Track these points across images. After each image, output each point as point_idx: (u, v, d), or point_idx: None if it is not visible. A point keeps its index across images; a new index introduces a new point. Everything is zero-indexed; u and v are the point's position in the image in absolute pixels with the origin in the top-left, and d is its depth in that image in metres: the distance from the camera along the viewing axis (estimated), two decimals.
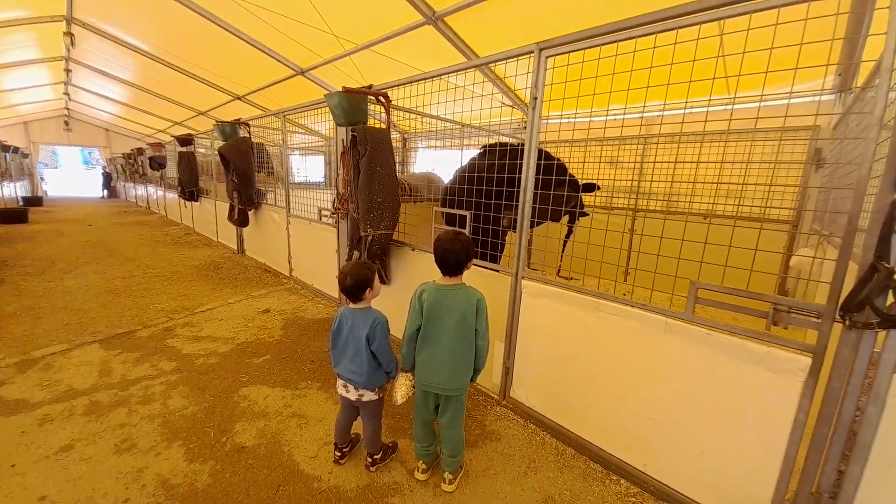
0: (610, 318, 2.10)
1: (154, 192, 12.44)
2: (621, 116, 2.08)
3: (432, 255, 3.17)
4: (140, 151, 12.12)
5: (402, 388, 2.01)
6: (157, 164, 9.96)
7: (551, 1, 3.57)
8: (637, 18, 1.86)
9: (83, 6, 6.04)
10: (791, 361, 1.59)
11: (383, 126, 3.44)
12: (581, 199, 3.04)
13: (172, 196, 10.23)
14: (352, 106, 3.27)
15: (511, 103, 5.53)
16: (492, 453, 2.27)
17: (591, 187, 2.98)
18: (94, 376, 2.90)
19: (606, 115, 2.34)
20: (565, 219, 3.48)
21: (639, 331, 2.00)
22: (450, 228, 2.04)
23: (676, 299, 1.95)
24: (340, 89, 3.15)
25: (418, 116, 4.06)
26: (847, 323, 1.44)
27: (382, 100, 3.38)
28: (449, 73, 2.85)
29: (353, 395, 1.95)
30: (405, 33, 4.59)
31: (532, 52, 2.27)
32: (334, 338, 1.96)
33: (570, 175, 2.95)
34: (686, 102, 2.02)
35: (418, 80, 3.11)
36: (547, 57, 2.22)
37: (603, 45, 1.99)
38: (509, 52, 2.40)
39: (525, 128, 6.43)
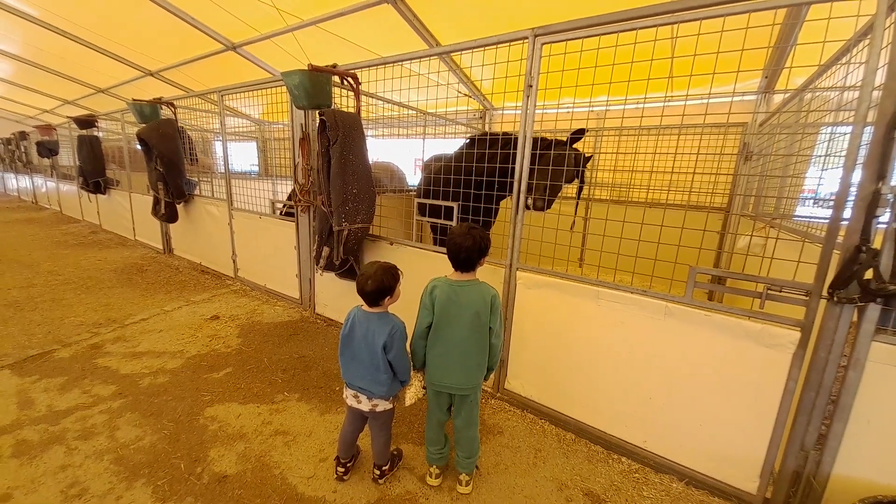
0: (610, 304, 2.16)
1: (43, 183, 10.49)
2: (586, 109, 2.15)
3: (414, 249, 3.11)
4: (23, 135, 10.10)
5: (411, 388, 1.89)
6: (48, 150, 8.38)
7: None
8: (613, 14, 1.96)
9: None
10: (783, 336, 1.74)
11: (352, 110, 3.18)
12: (582, 157, 3.05)
13: (69, 188, 8.71)
14: (315, 86, 2.97)
15: (469, 93, 5.45)
16: (498, 447, 2.25)
17: (580, 133, 2.79)
18: (13, 410, 2.37)
19: (573, 108, 2.44)
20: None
21: (639, 316, 2.07)
22: (463, 223, 1.91)
23: (654, 281, 2.09)
24: (307, 67, 2.84)
25: (376, 103, 3.82)
26: (835, 299, 1.61)
27: (350, 81, 3.12)
28: (437, 53, 2.70)
29: (365, 406, 1.78)
30: (360, 10, 4.27)
31: (527, 37, 2.21)
32: (344, 343, 1.77)
33: (557, 139, 2.95)
34: (644, 98, 2.14)
35: (393, 62, 2.90)
36: (542, 44, 2.18)
37: (593, 35, 2.04)
38: (501, 37, 2.31)
39: (481, 118, 6.38)
